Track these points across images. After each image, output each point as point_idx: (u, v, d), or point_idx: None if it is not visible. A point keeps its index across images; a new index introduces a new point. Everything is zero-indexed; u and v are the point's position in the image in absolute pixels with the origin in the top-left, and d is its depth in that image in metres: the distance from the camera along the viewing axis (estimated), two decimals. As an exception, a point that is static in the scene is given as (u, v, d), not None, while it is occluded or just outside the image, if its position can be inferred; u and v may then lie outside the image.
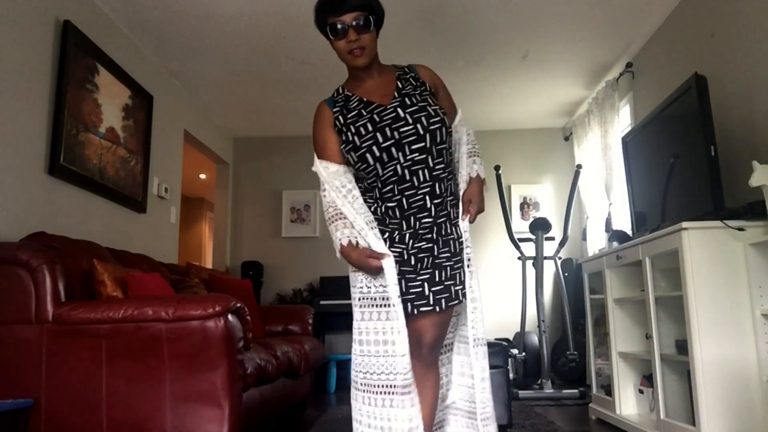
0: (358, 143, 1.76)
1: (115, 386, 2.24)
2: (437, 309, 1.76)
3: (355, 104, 1.83)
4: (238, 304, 2.33)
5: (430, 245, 1.78)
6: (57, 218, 3.06)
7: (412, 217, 1.77)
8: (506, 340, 4.80)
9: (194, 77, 4.55)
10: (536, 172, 5.81)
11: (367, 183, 1.82)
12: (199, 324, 2.23)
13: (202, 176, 7.37)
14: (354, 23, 1.71)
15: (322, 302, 5.15)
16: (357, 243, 1.74)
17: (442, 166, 1.80)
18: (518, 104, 5.23)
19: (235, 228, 5.91)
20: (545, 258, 4.64)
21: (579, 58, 4.30)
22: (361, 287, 1.77)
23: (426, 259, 1.77)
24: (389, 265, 1.71)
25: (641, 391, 3.11)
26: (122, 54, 3.75)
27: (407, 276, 1.76)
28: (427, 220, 1.77)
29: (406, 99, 1.81)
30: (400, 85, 1.84)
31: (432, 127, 1.76)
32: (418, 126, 1.75)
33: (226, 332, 2.24)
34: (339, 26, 1.71)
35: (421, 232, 1.78)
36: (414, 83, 1.87)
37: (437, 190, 1.78)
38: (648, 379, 3.03)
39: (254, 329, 3.46)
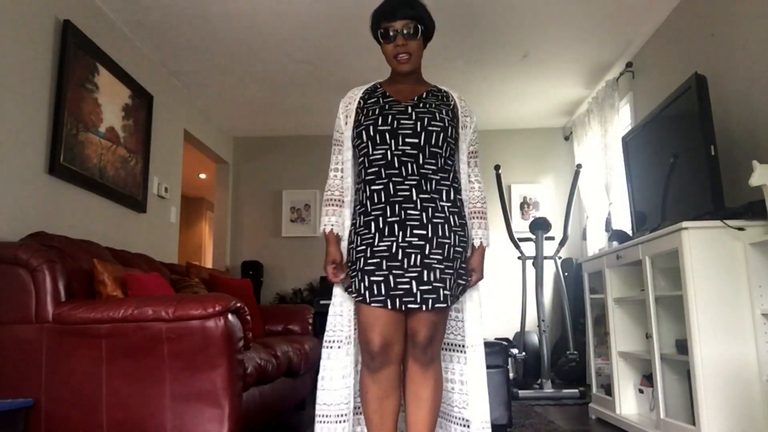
0: (362, 121, 1.89)
1: (115, 386, 2.24)
2: (424, 308, 1.77)
3: (378, 95, 1.96)
4: (238, 304, 2.33)
5: (422, 243, 1.80)
6: (57, 218, 3.06)
7: (397, 205, 1.82)
8: (506, 339, 4.80)
9: (194, 77, 4.55)
10: (536, 172, 5.81)
11: (358, 163, 1.92)
12: (199, 324, 2.23)
13: (202, 176, 7.37)
14: (404, 31, 1.85)
15: (321, 302, 5.14)
16: (338, 235, 1.93)
17: (434, 168, 1.86)
18: (518, 104, 5.23)
19: (235, 228, 5.91)
20: (545, 258, 4.64)
21: (579, 57, 4.30)
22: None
23: (415, 256, 1.79)
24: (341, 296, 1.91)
25: (641, 391, 3.11)
26: (122, 54, 3.75)
27: (394, 272, 1.78)
28: (413, 212, 1.81)
29: (422, 103, 1.91)
30: (424, 95, 1.95)
31: (430, 128, 1.85)
32: (418, 123, 1.85)
33: (226, 332, 2.24)
34: (390, 32, 1.87)
35: (409, 224, 1.81)
36: (440, 99, 1.96)
37: (424, 186, 1.84)
38: (648, 379, 3.03)
39: (254, 329, 3.45)
